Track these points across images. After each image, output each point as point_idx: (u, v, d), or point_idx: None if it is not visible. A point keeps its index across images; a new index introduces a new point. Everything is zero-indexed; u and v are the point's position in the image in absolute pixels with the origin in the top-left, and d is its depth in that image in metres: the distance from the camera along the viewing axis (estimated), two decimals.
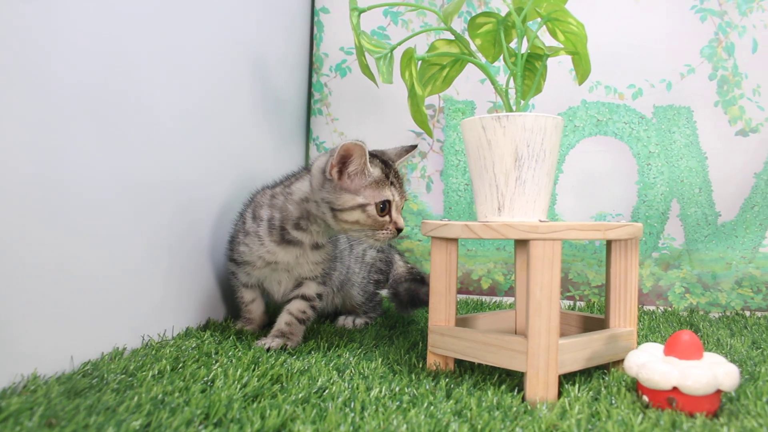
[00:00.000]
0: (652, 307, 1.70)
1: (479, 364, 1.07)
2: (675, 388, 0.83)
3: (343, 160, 1.13)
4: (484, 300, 1.77)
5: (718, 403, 0.84)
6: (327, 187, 1.16)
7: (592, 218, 1.73)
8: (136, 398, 0.82)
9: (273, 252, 1.26)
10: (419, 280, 1.52)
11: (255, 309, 1.36)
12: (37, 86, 0.90)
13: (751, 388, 0.93)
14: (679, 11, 1.67)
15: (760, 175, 1.65)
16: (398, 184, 1.20)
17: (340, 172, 1.14)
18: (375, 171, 1.16)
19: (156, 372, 0.96)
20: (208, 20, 1.36)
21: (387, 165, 1.19)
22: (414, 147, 1.31)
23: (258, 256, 1.27)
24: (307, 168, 1.28)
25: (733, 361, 1.10)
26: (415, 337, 1.29)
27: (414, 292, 1.46)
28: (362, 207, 1.15)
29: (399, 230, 1.18)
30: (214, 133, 1.39)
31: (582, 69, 1.11)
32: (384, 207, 1.16)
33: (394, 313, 1.55)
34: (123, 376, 0.93)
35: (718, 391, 0.83)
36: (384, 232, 1.17)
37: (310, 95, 1.92)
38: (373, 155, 1.19)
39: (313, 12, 1.89)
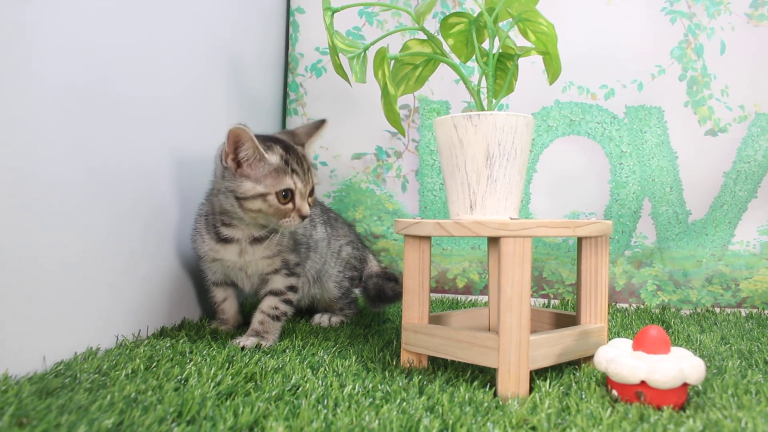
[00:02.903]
0: (624, 305, 1.72)
1: (452, 361, 1.08)
2: (643, 382, 0.84)
3: (236, 146, 1.14)
4: (459, 299, 1.78)
5: (684, 397, 0.86)
6: (227, 175, 1.17)
7: (565, 217, 1.75)
8: (108, 397, 0.82)
9: (215, 250, 1.26)
10: (387, 276, 1.52)
11: (228, 308, 1.36)
12: (17, 80, 0.90)
13: (718, 381, 0.95)
14: (650, 13, 1.69)
15: (729, 174, 1.67)
16: (301, 170, 1.19)
17: (237, 160, 1.15)
18: (273, 158, 1.16)
19: (129, 371, 0.96)
20: (183, 18, 1.36)
21: (288, 150, 1.19)
22: (322, 122, 1.31)
23: (205, 252, 1.28)
24: None
25: (702, 356, 1.12)
26: (389, 335, 1.29)
27: (380, 287, 1.46)
28: (263, 196, 1.15)
29: (303, 217, 1.19)
30: (188, 130, 1.39)
31: (553, 69, 1.13)
32: (286, 195, 1.16)
33: (369, 312, 1.56)
34: (96, 375, 0.92)
35: (685, 385, 0.85)
36: (287, 219, 1.17)
37: (285, 95, 1.92)
38: (274, 140, 1.20)
39: (288, 12, 1.89)
